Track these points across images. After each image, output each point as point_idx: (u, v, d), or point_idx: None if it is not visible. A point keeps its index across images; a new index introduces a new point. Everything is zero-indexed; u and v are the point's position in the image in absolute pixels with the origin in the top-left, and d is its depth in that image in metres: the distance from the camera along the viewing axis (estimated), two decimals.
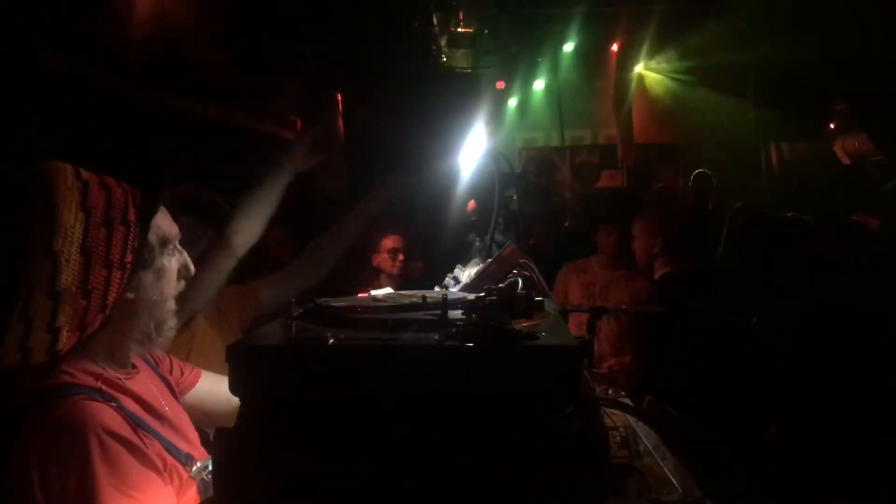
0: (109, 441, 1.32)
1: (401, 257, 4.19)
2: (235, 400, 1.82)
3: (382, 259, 4.20)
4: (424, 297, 1.38)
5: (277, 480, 1.07)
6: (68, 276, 1.34)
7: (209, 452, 1.52)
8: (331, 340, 1.10)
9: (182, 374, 1.76)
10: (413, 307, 1.32)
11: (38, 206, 1.35)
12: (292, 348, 1.11)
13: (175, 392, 1.69)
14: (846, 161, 7.28)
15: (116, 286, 1.39)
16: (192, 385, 1.77)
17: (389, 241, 4.20)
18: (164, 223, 1.52)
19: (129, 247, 1.41)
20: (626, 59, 9.78)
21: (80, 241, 1.35)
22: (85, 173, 1.42)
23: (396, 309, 1.33)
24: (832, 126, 7.81)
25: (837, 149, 7.36)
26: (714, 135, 9.02)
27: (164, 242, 1.52)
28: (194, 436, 1.60)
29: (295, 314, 1.18)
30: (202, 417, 1.72)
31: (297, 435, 1.08)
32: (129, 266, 1.41)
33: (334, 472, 1.06)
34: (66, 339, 1.35)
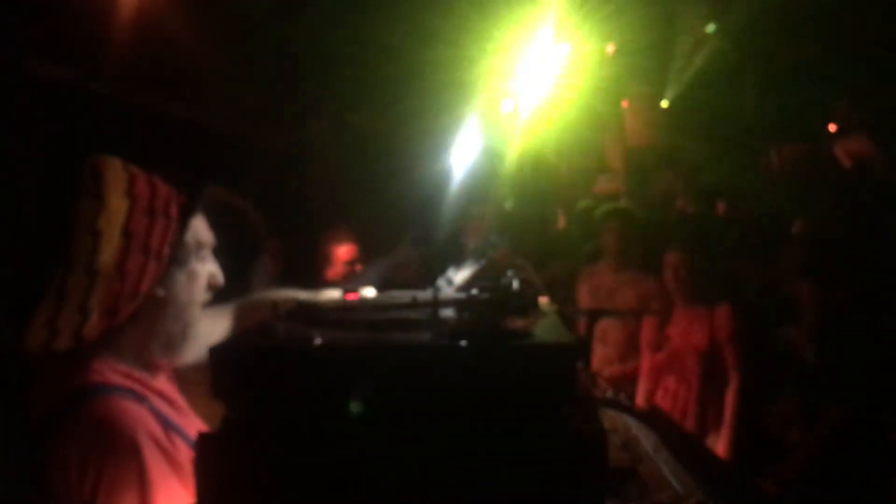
0: (147, 442, 1.33)
1: (358, 267, 3.90)
2: (223, 333, 1.80)
3: (337, 271, 3.91)
4: (415, 298, 1.34)
5: (263, 486, 1.03)
6: (107, 256, 1.36)
7: None
8: (318, 341, 1.06)
9: None
10: (403, 307, 1.29)
11: (87, 186, 1.38)
12: (278, 350, 1.08)
13: (175, 381, 1.66)
14: (847, 163, 7.24)
15: (151, 276, 1.41)
16: None
17: (344, 253, 3.93)
18: (201, 228, 1.55)
19: (167, 240, 1.44)
20: (621, 59, 9.77)
21: (122, 225, 1.38)
22: (133, 168, 1.46)
23: (386, 308, 1.29)
24: (832, 127, 7.78)
25: (839, 151, 7.32)
26: (712, 137, 9.01)
27: (199, 246, 1.53)
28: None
29: (280, 315, 1.14)
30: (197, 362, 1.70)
31: (283, 439, 1.04)
32: (165, 259, 1.43)
33: (322, 476, 1.03)
34: (94, 323, 1.35)
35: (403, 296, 1.38)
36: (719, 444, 3.28)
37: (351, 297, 1.47)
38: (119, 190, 1.40)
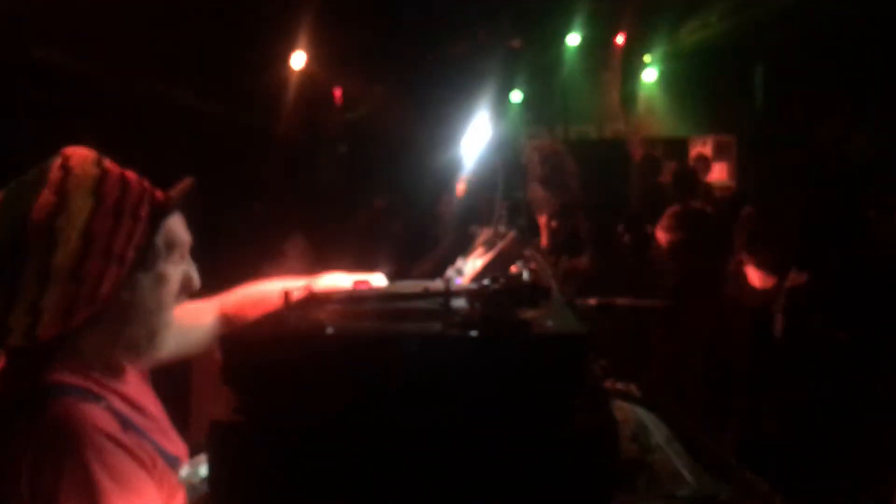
0: (105, 442, 1.28)
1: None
2: (204, 331, 1.78)
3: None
4: (426, 288, 1.34)
5: (274, 473, 1.04)
6: (62, 257, 1.29)
7: (192, 456, 1.48)
8: (329, 330, 1.06)
9: None
10: (414, 296, 1.29)
11: (51, 183, 1.31)
12: (289, 338, 1.08)
13: (148, 380, 1.63)
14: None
15: (112, 280, 1.34)
16: None
17: None
18: (176, 228, 1.47)
19: (133, 243, 1.36)
20: (632, 51, 9.74)
21: (83, 226, 1.30)
22: (108, 163, 1.39)
23: (397, 298, 1.29)
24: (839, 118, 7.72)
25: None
26: (721, 129, 8.97)
27: (171, 248, 1.45)
28: (178, 437, 1.55)
29: (291, 303, 1.14)
30: (178, 356, 1.67)
31: (294, 427, 1.04)
32: (129, 262, 1.36)
33: (332, 464, 1.03)
34: (47, 325, 1.29)
35: (415, 286, 1.37)
36: (727, 438, 3.27)
37: (362, 286, 1.46)
38: (85, 188, 1.33)
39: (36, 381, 1.32)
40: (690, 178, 6.48)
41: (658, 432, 1.29)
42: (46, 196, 1.30)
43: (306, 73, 5.86)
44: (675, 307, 3.63)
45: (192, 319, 1.78)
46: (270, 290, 1.74)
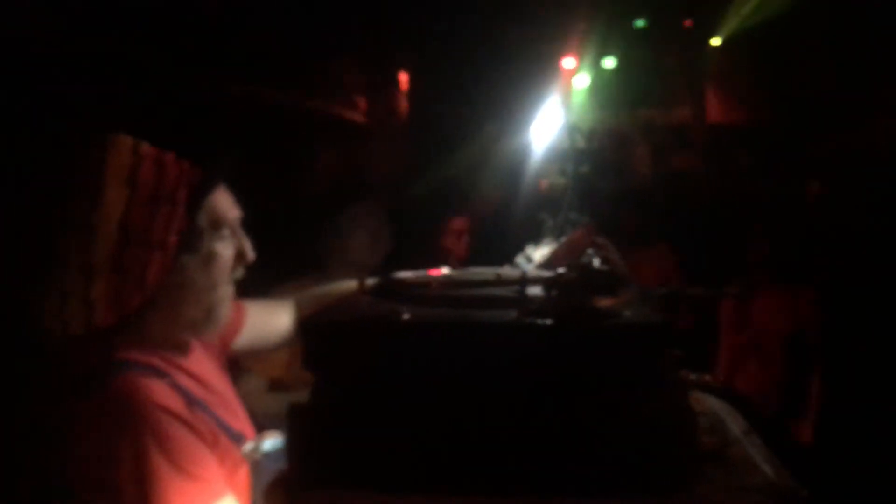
0: (164, 417, 1.31)
1: (466, 238, 4.13)
2: (283, 327, 1.81)
3: (449, 241, 4.15)
4: (498, 275, 1.34)
5: (351, 456, 1.06)
6: (103, 251, 1.31)
7: (257, 431, 1.50)
8: (406, 316, 1.08)
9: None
10: (488, 284, 1.29)
11: (85, 176, 1.33)
12: (366, 324, 1.10)
13: (223, 362, 1.67)
14: None
15: (156, 267, 1.36)
16: (235, 333, 1.73)
17: (456, 223, 4.15)
18: (221, 205, 1.47)
19: (173, 228, 1.37)
20: (701, 34, 9.50)
21: (119, 217, 1.32)
22: (144, 148, 1.38)
23: (471, 285, 1.29)
24: None
25: None
26: (795, 115, 8.70)
27: (217, 226, 1.46)
28: (244, 413, 1.58)
29: (368, 289, 1.16)
30: (253, 353, 1.71)
31: (370, 411, 1.06)
32: (172, 247, 1.37)
33: (407, 449, 1.04)
34: (102, 315, 1.32)
35: (488, 273, 1.38)
36: (802, 432, 3.20)
37: (436, 273, 1.47)
38: (119, 178, 1.33)
39: (101, 358, 1.35)
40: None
41: (735, 424, 1.27)
42: (83, 190, 1.32)
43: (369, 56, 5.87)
44: (750, 297, 3.56)
45: (269, 317, 1.82)
46: (347, 287, 1.76)
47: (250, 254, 1.53)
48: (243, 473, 1.41)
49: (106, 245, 1.31)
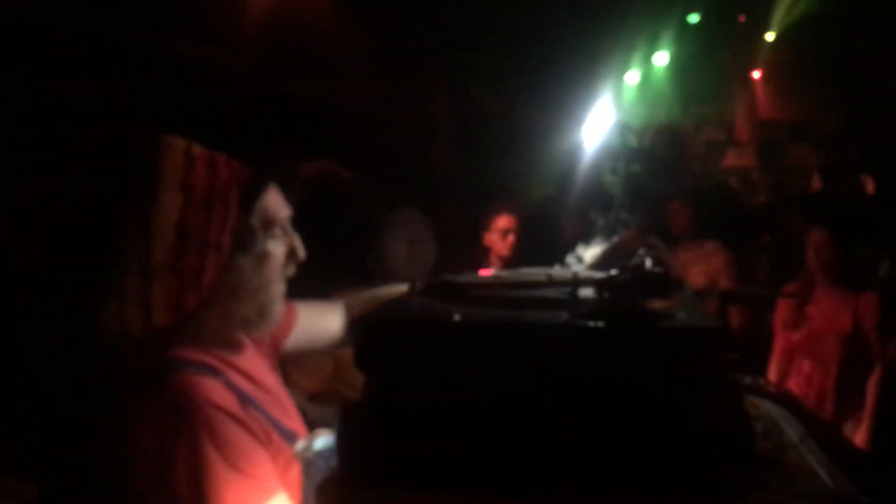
0: (220, 416, 1.32)
1: (511, 237, 4.10)
2: (333, 328, 1.83)
3: (493, 239, 4.13)
4: (549, 276, 1.34)
5: (401, 455, 1.06)
6: (161, 254, 1.33)
7: (308, 430, 1.52)
8: (457, 317, 1.08)
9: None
10: (539, 285, 1.29)
11: (141, 181, 1.34)
12: (418, 323, 1.10)
13: (274, 362, 1.69)
14: None
15: (212, 268, 1.38)
16: (286, 333, 1.75)
17: (501, 221, 4.12)
18: (272, 205, 1.49)
19: (227, 229, 1.39)
20: (754, 28, 9.33)
21: (175, 221, 1.34)
22: (196, 150, 1.40)
23: (522, 286, 1.29)
24: None
25: None
26: (852, 109, 8.48)
27: (269, 225, 1.48)
28: (295, 412, 1.59)
29: (419, 290, 1.16)
30: (301, 354, 1.72)
31: (421, 410, 1.06)
32: (226, 248, 1.39)
33: (457, 449, 1.04)
34: (160, 316, 1.34)
35: (539, 273, 1.37)
36: (858, 435, 3.13)
37: (486, 273, 1.47)
38: (174, 182, 1.34)
39: (158, 357, 1.37)
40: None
41: (790, 429, 1.24)
42: (139, 194, 1.33)
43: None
44: (807, 297, 3.49)
45: (319, 318, 1.84)
46: (397, 290, 1.77)
47: (301, 252, 1.54)
48: (295, 472, 1.42)
49: (163, 248, 1.33)
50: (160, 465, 1.28)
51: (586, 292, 1.17)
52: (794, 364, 3.48)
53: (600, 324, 1.03)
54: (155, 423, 1.30)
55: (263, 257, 1.47)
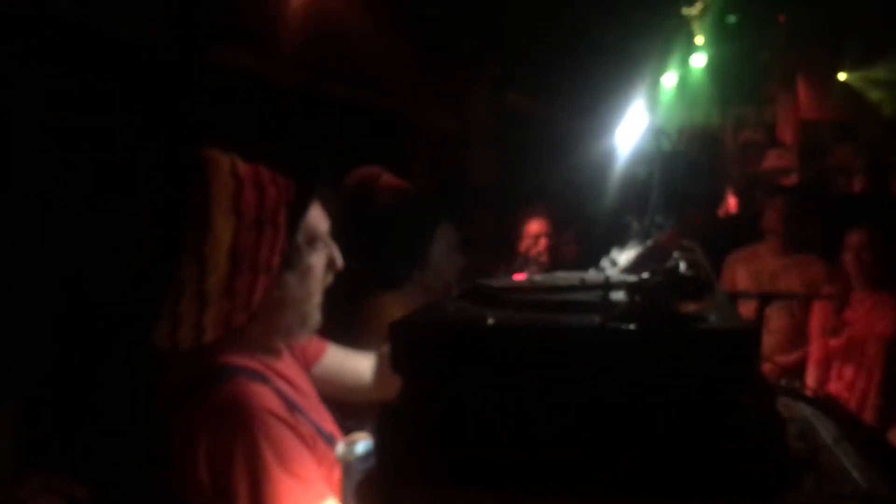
0: (273, 421, 1.35)
1: (543, 242, 4.10)
2: (360, 373, 1.86)
3: (526, 244, 4.14)
4: (582, 280, 1.35)
5: (438, 455, 1.08)
6: (215, 279, 1.36)
7: (343, 434, 1.54)
8: (490, 321, 1.10)
9: (306, 346, 1.76)
10: (572, 289, 1.30)
11: (193, 207, 1.37)
12: (452, 327, 1.12)
13: (306, 371, 1.72)
14: None
15: (262, 288, 1.41)
16: (316, 358, 1.79)
17: (533, 226, 4.13)
18: (314, 220, 1.52)
19: (276, 250, 1.42)
20: (794, 29, 9.19)
21: (228, 246, 1.37)
22: (241, 168, 1.43)
23: (555, 290, 1.30)
24: None
25: None
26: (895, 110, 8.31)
27: (312, 240, 1.52)
28: (330, 416, 1.62)
29: (455, 294, 1.18)
30: (321, 390, 1.73)
31: (456, 412, 1.08)
32: (275, 268, 1.43)
33: (492, 450, 1.06)
34: (210, 335, 1.38)
35: (573, 277, 1.38)
36: None
37: (520, 277, 1.49)
38: (225, 206, 1.37)
39: (207, 363, 1.41)
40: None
41: (825, 430, 1.24)
42: (193, 219, 1.37)
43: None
44: (844, 301, 3.44)
45: (349, 359, 1.88)
46: None
47: (339, 261, 1.58)
48: (336, 475, 1.45)
49: (217, 273, 1.37)
50: (218, 468, 1.30)
51: (619, 295, 1.18)
52: (834, 370, 3.43)
53: (632, 326, 1.04)
54: (212, 428, 1.33)
55: (307, 272, 1.51)
